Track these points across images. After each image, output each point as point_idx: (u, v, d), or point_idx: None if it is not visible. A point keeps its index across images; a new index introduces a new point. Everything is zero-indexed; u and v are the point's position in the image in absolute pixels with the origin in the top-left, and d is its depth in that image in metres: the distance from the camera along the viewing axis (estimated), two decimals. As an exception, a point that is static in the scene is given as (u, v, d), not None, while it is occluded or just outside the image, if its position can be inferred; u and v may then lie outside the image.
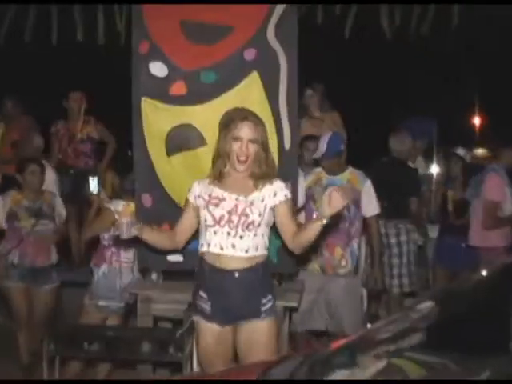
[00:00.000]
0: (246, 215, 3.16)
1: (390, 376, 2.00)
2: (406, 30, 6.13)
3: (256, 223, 3.16)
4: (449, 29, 6.13)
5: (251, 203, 3.17)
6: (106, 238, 4.42)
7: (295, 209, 3.58)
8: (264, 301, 3.19)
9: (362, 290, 4.87)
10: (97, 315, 4.45)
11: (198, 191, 3.26)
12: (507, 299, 2.10)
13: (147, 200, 3.94)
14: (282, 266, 3.86)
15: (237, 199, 3.19)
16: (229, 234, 3.16)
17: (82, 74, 8.74)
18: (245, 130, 3.17)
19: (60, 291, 5.16)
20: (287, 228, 3.22)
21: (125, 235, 3.12)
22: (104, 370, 4.47)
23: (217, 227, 3.17)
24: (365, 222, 4.67)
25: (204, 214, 3.20)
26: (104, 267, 4.45)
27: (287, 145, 3.86)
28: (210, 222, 3.18)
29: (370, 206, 4.63)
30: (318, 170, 4.70)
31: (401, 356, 2.15)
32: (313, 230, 3.06)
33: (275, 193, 3.20)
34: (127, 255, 4.44)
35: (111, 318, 4.49)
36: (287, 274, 4.16)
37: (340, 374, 2.12)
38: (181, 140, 3.83)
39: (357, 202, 4.55)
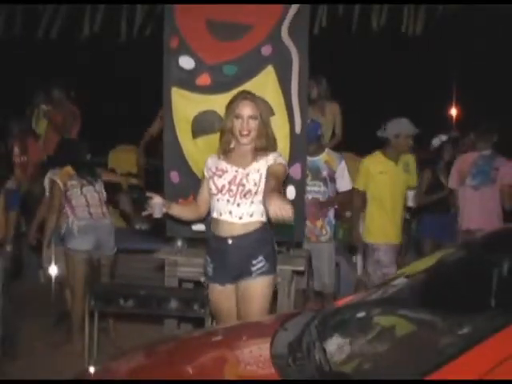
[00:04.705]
0: (243, 185, 3.40)
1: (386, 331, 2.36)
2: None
3: (252, 192, 3.39)
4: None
5: (247, 174, 3.41)
6: None
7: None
8: (254, 262, 3.43)
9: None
10: None
11: (210, 165, 3.55)
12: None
13: (175, 176, 4.35)
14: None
15: (236, 171, 3.44)
16: (228, 201, 3.41)
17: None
18: (244, 108, 3.38)
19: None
20: (266, 186, 3.25)
21: (157, 214, 3.52)
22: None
23: (219, 195, 3.44)
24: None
25: (210, 184, 3.49)
26: None
27: (298, 129, 4.25)
28: (213, 190, 3.46)
29: (343, 182, 5.29)
30: None
31: (394, 314, 2.54)
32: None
33: (268, 162, 3.40)
34: None
35: None
36: (294, 242, 4.57)
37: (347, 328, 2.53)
38: (205, 124, 4.20)
39: (332, 179, 5.24)
